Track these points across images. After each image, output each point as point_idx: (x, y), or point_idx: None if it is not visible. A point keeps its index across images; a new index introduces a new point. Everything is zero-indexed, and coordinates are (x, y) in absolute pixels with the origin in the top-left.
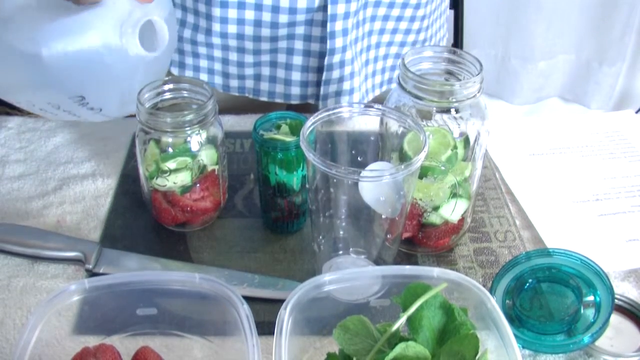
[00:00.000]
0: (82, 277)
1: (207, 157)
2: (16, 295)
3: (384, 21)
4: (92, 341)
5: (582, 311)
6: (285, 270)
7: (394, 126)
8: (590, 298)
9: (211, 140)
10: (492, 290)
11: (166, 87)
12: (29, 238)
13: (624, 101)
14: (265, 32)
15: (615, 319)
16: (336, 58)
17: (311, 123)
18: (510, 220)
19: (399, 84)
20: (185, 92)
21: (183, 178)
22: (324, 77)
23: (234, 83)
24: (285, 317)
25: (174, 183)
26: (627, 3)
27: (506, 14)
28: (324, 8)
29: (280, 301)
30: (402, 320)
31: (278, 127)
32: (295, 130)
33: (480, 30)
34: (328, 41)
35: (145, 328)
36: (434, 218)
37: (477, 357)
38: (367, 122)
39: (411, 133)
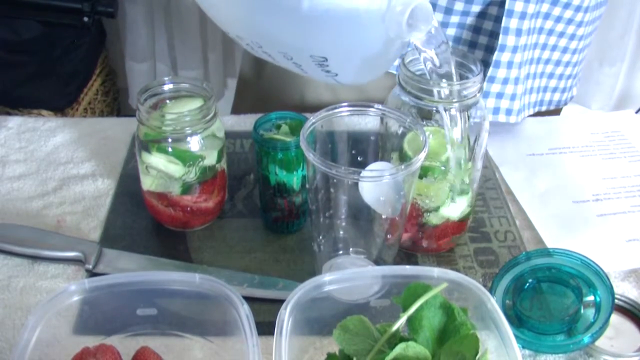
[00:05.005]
0: (82, 277)
1: (207, 157)
2: (16, 295)
3: (548, 35)
4: (92, 341)
5: (582, 311)
6: (285, 271)
7: (394, 126)
8: (590, 298)
9: (211, 141)
10: (492, 290)
11: (166, 87)
12: (29, 238)
13: (624, 101)
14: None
15: (615, 319)
16: (505, 57)
17: (311, 123)
18: (510, 220)
19: (399, 84)
20: (185, 92)
21: (176, 170)
22: (489, 73)
23: None
24: (285, 317)
25: (165, 168)
26: (626, 3)
27: None
28: (500, 3)
29: (280, 301)
30: (402, 320)
31: (278, 127)
32: (295, 130)
33: None
34: (500, 36)
35: (145, 328)
36: (434, 218)
37: (477, 357)
38: (367, 122)
39: (411, 133)
